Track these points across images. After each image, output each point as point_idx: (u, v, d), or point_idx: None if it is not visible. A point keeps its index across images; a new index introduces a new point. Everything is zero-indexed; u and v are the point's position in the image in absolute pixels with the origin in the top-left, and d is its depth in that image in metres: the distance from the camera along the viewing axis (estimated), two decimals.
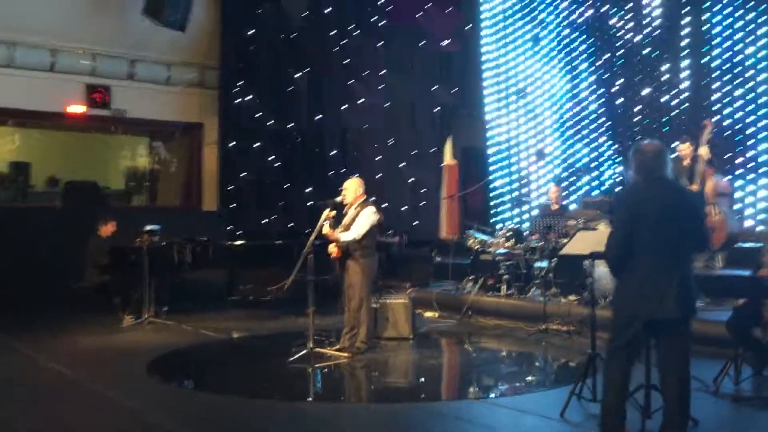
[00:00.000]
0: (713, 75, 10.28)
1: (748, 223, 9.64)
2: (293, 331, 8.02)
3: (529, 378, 6.59)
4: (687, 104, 10.62)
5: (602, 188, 11.85)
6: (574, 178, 12.52)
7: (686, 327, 4.22)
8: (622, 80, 11.70)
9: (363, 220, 6.97)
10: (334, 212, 6.94)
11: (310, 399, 5.84)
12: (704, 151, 8.33)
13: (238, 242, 10.49)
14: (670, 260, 4.10)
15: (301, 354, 6.75)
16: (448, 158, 14.36)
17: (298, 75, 12.79)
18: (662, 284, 4.07)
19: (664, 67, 10.97)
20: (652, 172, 4.25)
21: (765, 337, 5.82)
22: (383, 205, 12.24)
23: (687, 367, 4.17)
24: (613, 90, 11.86)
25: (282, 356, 6.77)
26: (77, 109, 11.68)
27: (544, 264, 9.16)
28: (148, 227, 9.22)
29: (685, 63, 10.68)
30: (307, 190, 12.34)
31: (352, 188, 7.17)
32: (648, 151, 4.31)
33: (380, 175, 13.28)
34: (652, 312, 4.10)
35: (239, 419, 5.08)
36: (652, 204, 4.16)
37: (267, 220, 12.37)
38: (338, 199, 7.12)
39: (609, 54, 11.85)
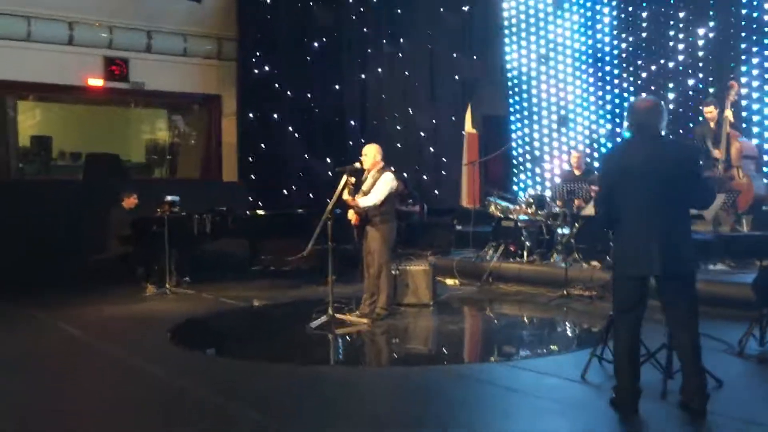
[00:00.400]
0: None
1: None
2: (314, 299, 8.04)
3: (551, 342, 6.54)
4: (711, 66, 10.39)
5: None
6: (596, 145, 12.35)
7: (685, 285, 4.10)
8: (646, 43, 11.47)
9: (382, 186, 6.93)
10: (353, 178, 6.89)
11: (331, 363, 5.85)
12: (729, 113, 8.15)
13: (257, 212, 10.49)
14: (656, 217, 4.02)
15: (321, 320, 6.76)
16: (468, 127, 14.23)
17: (316, 45, 12.68)
18: (647, 241, 4.01)
19: (690, 28, 10.72)
20: (644, 129, 4.15)
21: None
22: (404, 174, 12.23)
23: (693, 326, 4.07)
24: (638, 53, 11.63)
25: (302, 323, 6.79)
26: (96, 82, 11.70)
27: (566, 230, 9.08)
28: (169, 198, 9.28)
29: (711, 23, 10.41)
30: (327, 161, 12.29)
31: (371, 154, 7.12)
32: (640, 107, 4.24)
33: (400, 144, 13.21)
34: (639, 270, 4.07)
35: (261, 382, 5.11)
36: (636, 160, 4.08)
37: (287, 191, 12.36)
38: (357, 164, 7.08)
39: (634, 16, 11.61)
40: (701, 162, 4.44)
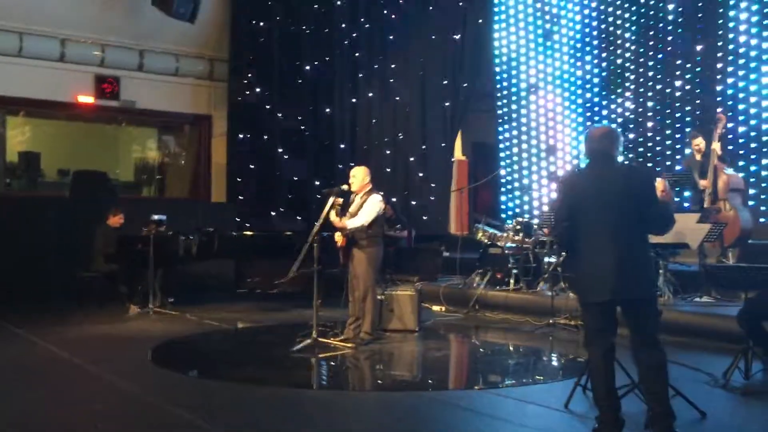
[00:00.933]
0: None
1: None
2: (299, 323, 7.96)
3: (535, 371, 6.50)
4: (698, 99, 10.50)
5: None
6: None
7: (645, 310, 4.06)
8: (633, 76, 11.59)
9: (369, 207, 6.91)
10: (341, 200, 6.88)
11: (313, 387, 5.77)
12: (717, 146, 8.21)
13: (244, 233, 10.44)
14: (609, 242, 3.99)
15: (304, 344, 6.70)
16: (458, 153, 14.28)
17: (307, 68, 12.73)
18: (601, 266, 3.99)
19: (678, 62, 10.85)
20: (598, 155, 4.17)
21: None
22: (392, 199, 12.22)
23: (654, 353, 4.01)
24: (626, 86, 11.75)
25: (286, 346, 6.72)
26: (87, 99, 11.69)
27: (553, 258, 9.08)
28: (155, 217, 9.24)
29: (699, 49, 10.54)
30: (316, 183, 12.27)
31: (360, 176, 7.11)
32: (594, 134, 4.27)
33: (389, 169, 13.22)
34: (594, 296, 4.06)
35: (238, 404, 5.02)
36: (590, 187, 4.10)
37: (275, 212, 12.32)
38: (345, 186, 7.07)
39: (619, 49, 11.75)
40: (655, 186, 4.38)
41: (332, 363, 6.46)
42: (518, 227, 9.66)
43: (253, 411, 4.86)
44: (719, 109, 9.54)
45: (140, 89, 12.04)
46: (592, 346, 4.15)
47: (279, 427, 4.45)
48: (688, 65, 10.64)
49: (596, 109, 12.29)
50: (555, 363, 6.91)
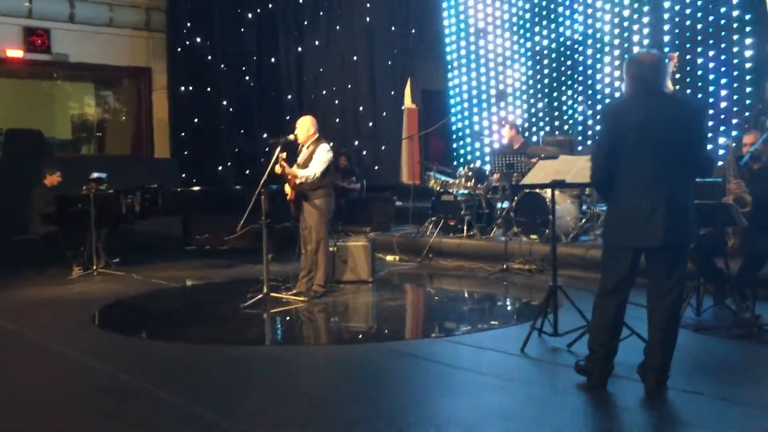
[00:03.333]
0: None
1: None
2: (250, 278, 7.82)
3: (491, 317, 6.46)
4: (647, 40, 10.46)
5: (564, 129, 11.73)
6: (534, 119, 12.36)
7: (679, 257, 3.79)
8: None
9: (320, 157, 6.70)
10: (284, 153, 6.62)
11: (265, 343, 5.60)
12: (669, 84, 8.16)
13: (190, 189, 10.10)
14: (656, 182, 3.69)
15: (255, 299, 6.53)
16: (408, 102, 14.07)
17: (249, 15, 12.24)
18: (645, 209, 3.69)
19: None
20: (647, 85, 3.77)
21: (727, 266, 5.77)
22: (345, 150, 11.99)
23: (675, 303, 3.82)
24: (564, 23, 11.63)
25: (236, 303, 6.56)
26: (16, 53, 11.04)
27: (506, 203, 9.04)
28: (95, 175, 8.89)
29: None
30: (263, 136, 11.92)
31: (305, 126, 6.87)
32: (645, 61, 3.84)
33: (338, 119, 12.95)
34: (633, 240, 3.76)
35: (186, 364, 4.85)
36: (637, 119, 3.72)
37: (221, 167, 11.96)
38: (291, 137, 6.82)
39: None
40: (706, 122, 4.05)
41: (285, 318, 6.30)
42: (470, 174, 9.58)
43: (203, 371, 4.69)
44: (667, 49, 9.56)
45: (73, 41, 11.42)
46: (610, 295, 3.87)
47: (230, 386, 4.29)
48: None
49: (545, 52, 12.18)
50: (510, 308, 6.89)
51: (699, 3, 9.87)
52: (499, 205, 9.25)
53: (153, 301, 7.20)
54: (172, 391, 4.21)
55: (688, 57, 9.87)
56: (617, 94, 11.03)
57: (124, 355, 5.17)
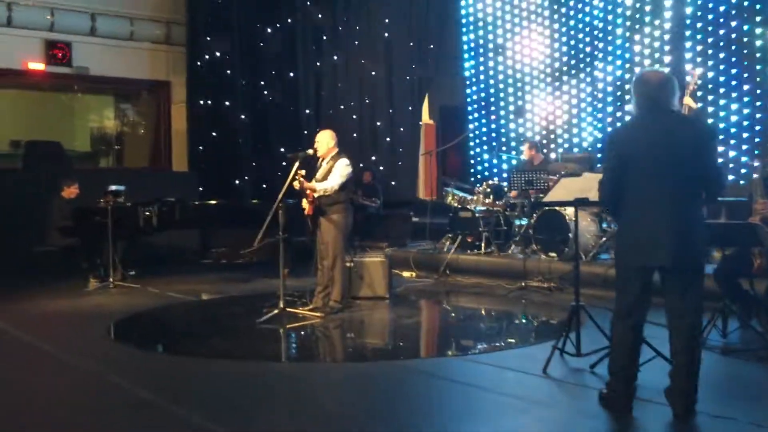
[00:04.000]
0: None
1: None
2: (266, 293, 7.77)
3: (510, 335, 6.35)
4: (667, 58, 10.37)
5: (582, 145, 11.64)
6: (553, 136, 12.28)
7: (693, 280, 3.71)
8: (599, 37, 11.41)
9: (339, 170, 6.66)
10: (303, 171, 6.57)
11: (280, 359, 5.53)
12: (690, 101, 8.05)
13: (207, 202, 10.09)
14: (665, 203, 3.64)
15: (271, 314, 6.47)
16: (425, 117, 14.03)
17: (269, 30, 12.29)
18: (655, 229, 3.64)
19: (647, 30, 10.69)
20: (656, 104, 3.72)
21: (752, 287, 5.64)
22: (372, 168, 11.97)
23: (694, 326, 3.71)
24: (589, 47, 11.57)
25: (252, 317, 6.50)
26: (37, 66, 11.15)
27: (524, 221, 8.94)
28: (112, 187, 8.87)
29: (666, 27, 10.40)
30: (280, 150, 11.93)
31: (325, 140, 6.84)
32: (652, 79, 3.78)
33: (356, 134, 12.93)
34: (643, 260, 3.70)
35: (202, 380, 4.78)
36: (644, 141, 3.68)
37: (239, 181, 11.96)
38: (310, 151, 6.80)
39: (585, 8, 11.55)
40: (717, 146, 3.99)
41: (301, 333, 6.24)
42: (488, 190, 9.50)
43: (218, 386, 4.62)
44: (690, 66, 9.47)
45: (93, 55, 11.51)
46: (626, 318, 3.80)
47: (245, 403, 4.22)
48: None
49: (564, 68, 12.12)
50: (529, 326, 6.78)
51: (721, 20, 9.78)
52: (517, 222, 9.15)
53: (169, 315, 7.17)
54: (187, 406, 4.15)
55: (710, 75, 9.77)
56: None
57: (139, 369, 5.13)
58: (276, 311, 6.53)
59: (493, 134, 13.21)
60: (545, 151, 11.67)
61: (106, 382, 4.74)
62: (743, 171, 9.43)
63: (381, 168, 13.04)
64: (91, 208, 8.71)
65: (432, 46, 13.19)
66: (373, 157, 13.01)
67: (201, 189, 11.62)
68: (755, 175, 5.64)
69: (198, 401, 4.30)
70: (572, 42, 11.96)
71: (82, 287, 8.40)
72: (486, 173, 13.12)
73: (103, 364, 5.12)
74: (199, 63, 11.75)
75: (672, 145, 3.66)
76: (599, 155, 10.54)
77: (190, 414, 4.02)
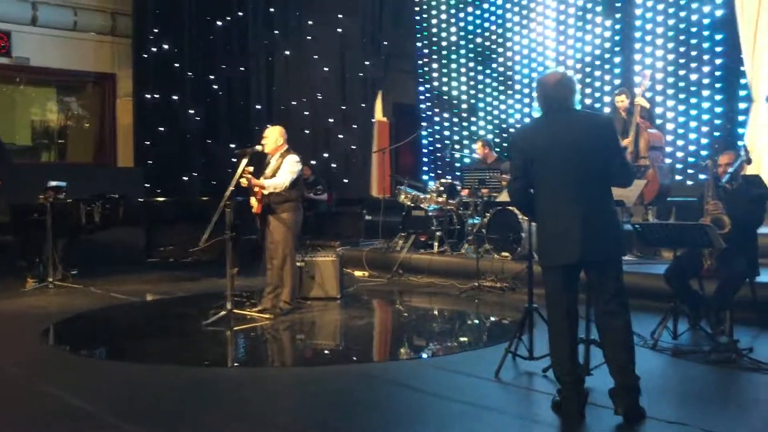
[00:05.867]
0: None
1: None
2: (214, 293, 7.57)
3: (462, 337, 6.27)
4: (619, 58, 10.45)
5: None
6: (505, 135, 12.28)
7: (612, 272, 3.74)
8: (554, 34, 11.44)
9: (288, 167, 6.48)
10: (251, 168, 6.37)
11: (226, 365, 5.33)
12: (642, 101, 8.12)
13: (154, 199, 9.79)
14: (572, 199, 3.66)
15: (218, 316, 6.26)
16: (378, 114, 13.89)
17: (219, 23, 12.00)
18: (565, 225, 3.67)
19: (598, 21, 10.76)
20: (554, 103, 3.78)
21: (702, 288, 5.67)
22: (311, 162, 11.77)
23: (618, 320, 3.72)
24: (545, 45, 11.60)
25: (199, 319, 6.29)
26: None
27: (477, 220, 8.89)
28: (53, 183, 8.54)
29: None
30: (231, 146, 11.66)
31: (273, 137, 6.65)
32: (548, 81, 3.85)
33: (308, 131, 12.73)
34: (557, 257, 3.72)
35: (142, 387, 4.56)
36: (548, 140, 3.73)
37: (187, 177, 11.66)
38: (258, 147, 6.60)
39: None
40: (618, 136, 4.02)
41: (249, 336, 6.05)
42: (441, 188, 9.42)
43: (159, 394, 4.41)
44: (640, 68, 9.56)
45: (34, 45, 11.11)
46: (554, 307, 3.81)
47: (187, 412, 4.03)
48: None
49: (517, 68, 12.13)
50: (482, 327, 6.70)
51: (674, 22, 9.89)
52: (470, 221, 9.10)
53: (110, 317, 6.90)
54: (123, 416, 3.93)
55: (659, 76, 9.87)
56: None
57: (76, 375, 4.87)
58: (223, 313, 6.32)
59: (446, 132, 13.17)
60: (497, 150, 11.66)
61: (36, 389, 4.48)
62: (690, 171, 9.56)
63: (333, 165, 12.87)
64: (30, 204, 8.36)
65: (385, 43, 13.06)
66: (326, 154, 12.84)
67: (147, 185, 11.29)
68: (705, 176, 5.65)
69: (135, 410, 4.08)
70: (524, 41, 11.97)
71: (18, 287, 8.06)
72: (439, 171, 13.06)
73: (35, 370, 4.87)
74: (145, 56, 11.41)
75: (571, 142, 3.69)
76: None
77: (125, 424, 3.81)
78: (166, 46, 11.55)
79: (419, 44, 13.45)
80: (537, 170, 3.75)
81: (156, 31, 11.48)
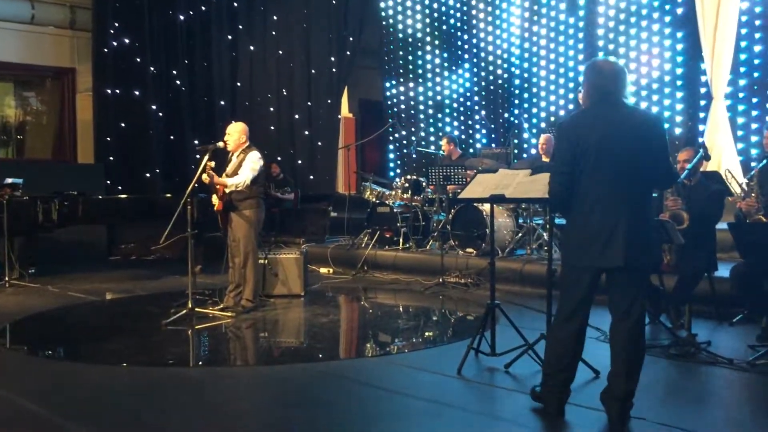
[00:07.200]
0: None
1: None
2: (175, 291, 7.47)
3: (426, 333, 6.26)
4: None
5: (501, 140, 11.73)
6: (471, 131, 12.32)
7: (639, 279, 3.59)
8: (522, 27, 11.49)
9: (249, 165, 6.40)
10: (213, 162, 6.29)
11: (187, 364, 5.24)
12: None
13: (113, 196, 9.61)
14: (617, 199, 3.47)
15: (179, 315, 6.17)
16: (345, 111, 13.85)
17: (181, 17, 11.82)
18: (606, 227, 3.46)
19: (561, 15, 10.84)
20: (606, 95, 3.55)
21: (662, 283, 5.73)
22: (278, 158, 11.67)
23: (637, 327, 3.59)
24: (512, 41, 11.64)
25: (159, 318, 6.19)
26: None
27: (442, 216, 8.90)
28: (9, 180, 8.35)
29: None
30: (194, 143, 11.50)
31: (236, 134, 6.56)
32: (604, 69, 3.59)
33: (273, 127, 12.63)
34: (593, 260, 3.51)
35: (100, 389, 4.45)
36: (598, 131, 3.49)
37: (149, 174, 11.46)
38: (220, 143, 6.50)
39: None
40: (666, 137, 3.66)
41: (210, 335, 5.96)
42: (406, 185, 9.42)
43: (116, 396, 4.31)
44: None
45: None
46: (568, 322, 3.63)
47: (146, 414, 3.95)
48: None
49: (483, 64, 12.16)
50: (446, 324, 6.70)
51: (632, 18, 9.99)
52: (435, 217, 9.11)
53: (68, 316, 6.74)
54: (78, 419, 3.84)
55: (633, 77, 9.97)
56: (552, 108, 11.09)
57: (32, 378, 4.74)
58: (184, 311, 6.24)
59: (412, 129, 13.16)
60: (463, 146, 11.70)
61: None
62: None
63: (299, 162, 12.78)
64: None
65: (351, 39, 13.00)
66: (291, 150, 12.75)
67: (108, 182, 11.09)
68: None
69: (91, 413, 3.98)
70: (491, 38, 12.01)
71: None
72: (405, 168, 13.05)
73: None
74: (106, 50, 11.17)
75: (625, 138, 3.49)
76: (515, 151, 10.62)
77: (80, 428, 3.72)
78: (126, 41, 11.33)
79: (385, 40, 13.41)
80: (582, 165, 3.51)
81: (116, 24, 11.26)
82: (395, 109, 13.35)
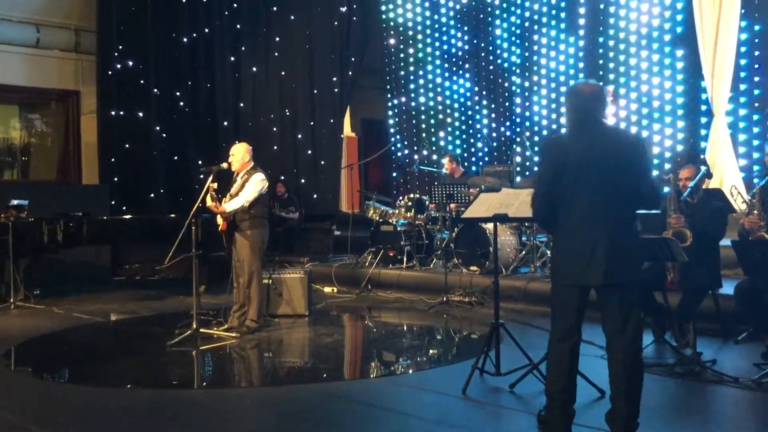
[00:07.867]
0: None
1: None
2: (180, 312, 7.48)
3: (430, 353, 6.25)
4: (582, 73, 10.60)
5: (503, 158, 11.76)
6: (474, 149, 12.37)
7: (629, 296, 3.58)
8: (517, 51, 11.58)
9: (251, 187, 6.43)
10: (215, 184, 6.34)
11: (192, 386, 5.25)
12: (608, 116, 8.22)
13: (118, 217, 9.66)
14: (598, 218, 3.52)
15: (184, 336, 6.17)
16: (347, 130, 13.91)
17: (185, 40, 11.93)
18: (589, 245, 3.50)
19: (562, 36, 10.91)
20: (587, 116, 3.63)
21: (666, 301, 5.74)
22: (281, 178, 11.72)
23: (633, 346, 3.58)
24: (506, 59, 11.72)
25: (163, 340, 6.19)
26: None
27: (446, 234, 8.92)
28: (14, 202, 8.40)
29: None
30: (198, 163, 11.56)
31: (239, 155, 6.61)
32: (584, 91, 3.68)
33: (276, 147, 12.69)
34: (578, 278, 3.55)
35: (105, 411, 4.46)
36: (579, 152, 3.56)
37: (154, 194, 11.52)
38: (224, 164, 6.55)
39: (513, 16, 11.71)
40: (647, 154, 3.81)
41: (215, 356, 5.97)
42: (409, 204, 9.44)
43: (124, 419, 4.32)
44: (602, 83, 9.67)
45: None
46: (562, 341, 3.63)
47: None
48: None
49: (484, 83, 12.23)
50: (450, 343, 6.69)
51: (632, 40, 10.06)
52: (438, 235, 9.12)
53: (73, 338, 6.76)
54: None
55: (623, 91, 10.03)
56: (554, 126, 11.13)
57: (37, 400, 4.76)
58: (189, 332, 6.25)
59: (415, 147, 13.21)
60: (465, 164, 11.73)
61: None
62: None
63: (302, 181, 12.83)
64: None
65: (354, 59, 13.08)
66: (294, 170, 12.80)
67: (113, 203, 11.14)
68: (668, 189, 5.73)
69: None
70: (491, 57, 12.09)
71: None
72: (408, 186, 13.08)
73: None
74: (110, 72, 11.28)
75: (604, 158, 3.55)
76: (518, 169, 10.67)
77: None
78: (131, 63, 11.44)
79: (387, 59, 13.50)
80: (565, 184, 3.59)
81: (120, 47, 11.37)
82: (398, 128, 13.40)
